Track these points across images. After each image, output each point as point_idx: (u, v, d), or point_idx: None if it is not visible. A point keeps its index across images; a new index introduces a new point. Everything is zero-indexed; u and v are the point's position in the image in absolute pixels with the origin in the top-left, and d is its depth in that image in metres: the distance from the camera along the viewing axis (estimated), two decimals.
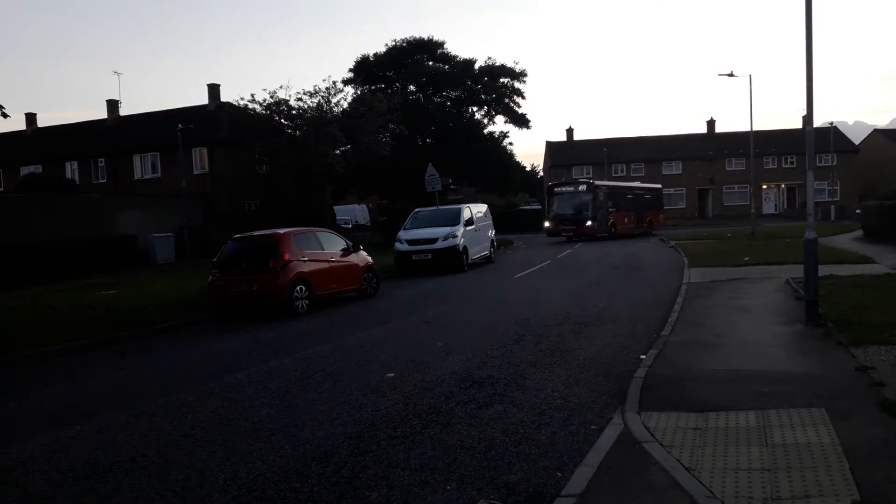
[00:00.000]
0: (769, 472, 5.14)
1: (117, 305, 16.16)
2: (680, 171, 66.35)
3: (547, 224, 39.91)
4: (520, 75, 44.44)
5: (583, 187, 38.80)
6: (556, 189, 40.25)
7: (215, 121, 39.40)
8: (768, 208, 63.43)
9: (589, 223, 37.45)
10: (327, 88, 34.26)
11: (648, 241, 35.93)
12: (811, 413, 6.32)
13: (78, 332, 12.97)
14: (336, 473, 5.59)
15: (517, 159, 53.02)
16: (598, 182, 40.26)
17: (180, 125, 34.20)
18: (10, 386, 9.95)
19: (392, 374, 8.85)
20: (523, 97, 45.07)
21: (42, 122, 50.42)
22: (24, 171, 41.82)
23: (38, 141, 46.40)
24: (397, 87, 43.74)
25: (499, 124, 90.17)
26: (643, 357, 8.96)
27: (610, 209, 39.14)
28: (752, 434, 5.92)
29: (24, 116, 49.54)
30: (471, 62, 44.48)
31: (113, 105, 46.41)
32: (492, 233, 27.72)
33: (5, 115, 13.60)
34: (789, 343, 9.51)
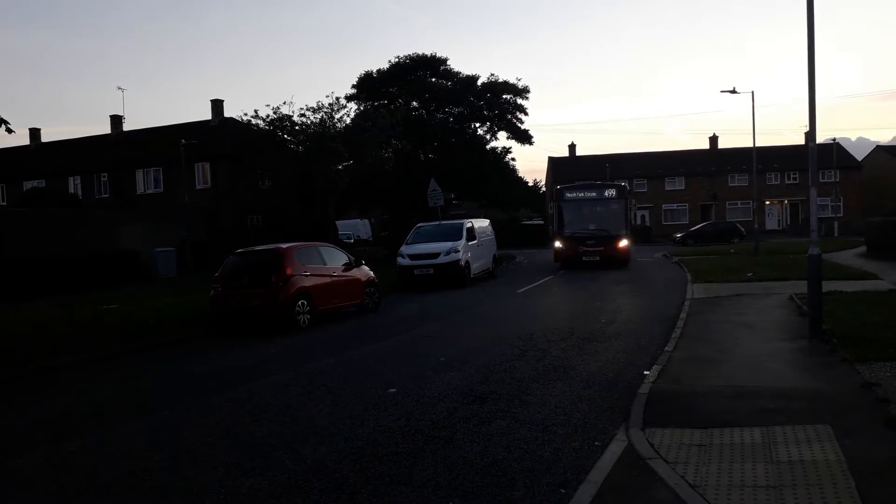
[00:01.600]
0: (775, 489, 5.09)
1: (118, 320, 16.13)
2: (683, 187, 66.38)
3: (557, 244, 28.50)
4: (522, 92, 44.55)
5: (611, 192, 29.07)
6: (568, 194, 29.05)
7: (218, 136, 39.56)
8: (771, 224, 63.38)
9: (624, 243, 27.47)
10: (330, 104, 34.40)
11: (650, 256, 35.16)
12: (817, 430, 6.27)
13: (79, 346, 12.94)
14: (338, 489, 5.55)
15: (519, 175, 53.19)
16: (626, 185, 32.49)
17: (183, 140, 34.32)
18: (10, 399, 9.91)
19: (394, 390, 8.81)
20: (526, 113, 45.14)
21: (46, 136, 50.77)
22: (28, 185, 42.02)
23: (41, 155, 46.59)
24: (400, 103, 43.87)
25: (501, 140, 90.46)
26: (647, 373, 8.91)
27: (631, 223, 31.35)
28: (758, 451, 5.87)
29: (27, 131, 49.74)
30: (473, 78, 44.61)
31: (116, 120, 46.63)
32: (494, 248, 27.71)
33: (10, 131, 13.62)
34: (794, 359, 9.47)
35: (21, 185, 42.79)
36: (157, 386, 10.37)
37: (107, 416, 8.52)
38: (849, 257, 27.05)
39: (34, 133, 49.80)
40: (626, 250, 27.47)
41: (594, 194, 28.94)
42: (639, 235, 48.26)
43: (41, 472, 6.37)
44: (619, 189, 29.41)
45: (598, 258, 26.93)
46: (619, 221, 28.02)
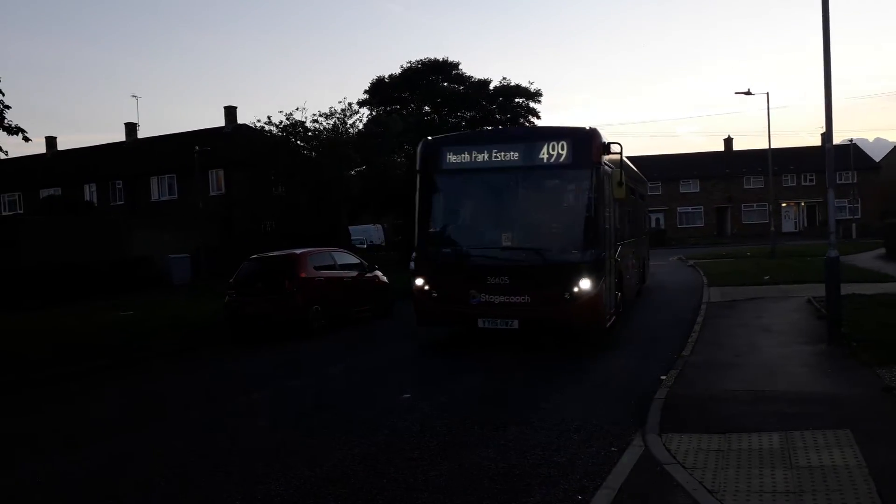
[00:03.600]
0: (794, 494, 5.02)
1: (134, 327, 16.21)
2: (698, 190, 66.01)
3: (419, 282, 12.04)
4: (535, 95, 44.48)
5: (558, 147, 11.47)
6: (453, 156, 12.26)
7: (232, 143, 39.75)
8: (788, 227, 62.89)
9: (587, 284, 10.89)
10: (343, 110, 34.49)
11: (665, 259, 34.31)
12: (837, 435, 6.18)
13: (94, 353, 12.99)
14: (353, 495, 5.52)
15: None
16: (593, 129, 11.73)
17: (197, 147, 34.52)
18: (27, 406, 9.95)
19: (408, 395, 8.78)
20: (538, 117, 45.01)
21: (62, 145, 51.19)
22: (44, 193, 42.40)
23: (57, 164, 47.04)
24: (412, 108, 43.92)
25: None
26: (663, 377, 8.83)
27: (617, 229, 13.28)
28: (776, 456, 5.79)
29: (44, 140, 50.30)
30: (486, 82, 44.59)
31: (131, 128, 47.00)
32: None
33: (27, 139, 13.80)
34: (812, 363, 9.36)
35: (38, 193, 43.18)
36: (171, 392, 10.39)
37: (121, 422, 8.53)
38: (867, 260, 26.78)
39: (50, 141, 50.35)
40: (593, 303, 11.04)
41: (515, 155, 11.85)
42: (652, 239, 47.77)
43: (59, 477, 6.37)
44: (578, 140, 11.59)
45: (515, 325, 11.18)
46: (576, 223, 11.59)
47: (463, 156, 12.13)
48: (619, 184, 11.41)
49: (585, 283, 10.84)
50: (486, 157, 11.95)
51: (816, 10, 10.63)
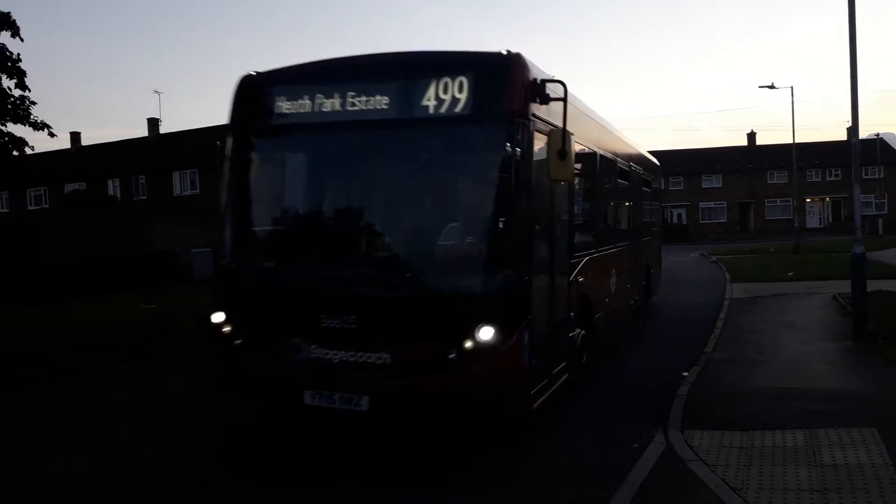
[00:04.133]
0: (819, 492, 4.98)
1: (157, 320, 16.34)
2: (720, 185, 65.42)
3: (218, 320, 6.98)
4: None
5: (457, 87, 6.30)
6: (284, 103, 7.21)
7: None
8: (812, 222, 62.16)
9: (491, 337, 5.81)
10: None
11: (687, 254, 33.94)
12: (862, 433, 6.11)
13: (119, 346, 13.10)
14: (376, 493, 5.54)
15: None
16: (513, 54, 6.39)
17: (219, 142, 34.66)
18: (51, 399, 10.06)
19: None
20: None
21: (86, 140, 51.80)
22: (69, 187, 42.95)
23: (81, 159, 47.58)
24: None
25: None
26: (686, 374, 8.76)
27: (577, 233, 8.23)
28: (801, 454, 5.74)
29: (68, 135, 50.97)
30: None
31: (153, 123, 47.43)
32: None
33: (52, 135, 14.02)
34: (838, 360, 9.26)
35: (63, 187, 43.76)
36: (195, 384, 10.41)
37: (145, 415, 8.57)
38: (894, 256, 26.41)
39: (75, 136, 50.99)
40: (501, 367, 5.88)
41: (382, 102, 6.70)
42: (674, 235, 47.36)
43: (82, 469, 6.41)
44: (484, 73, 6.44)
45: (363, 405, 6.24)
46: (477, 223, 6.50)
47: (300, 102, 7.11)
48: (562, 154, 6.23)
49: (487, 332, 5.85)
50: (336, 103, 6.90)
51: (842, 2, 10.46)
